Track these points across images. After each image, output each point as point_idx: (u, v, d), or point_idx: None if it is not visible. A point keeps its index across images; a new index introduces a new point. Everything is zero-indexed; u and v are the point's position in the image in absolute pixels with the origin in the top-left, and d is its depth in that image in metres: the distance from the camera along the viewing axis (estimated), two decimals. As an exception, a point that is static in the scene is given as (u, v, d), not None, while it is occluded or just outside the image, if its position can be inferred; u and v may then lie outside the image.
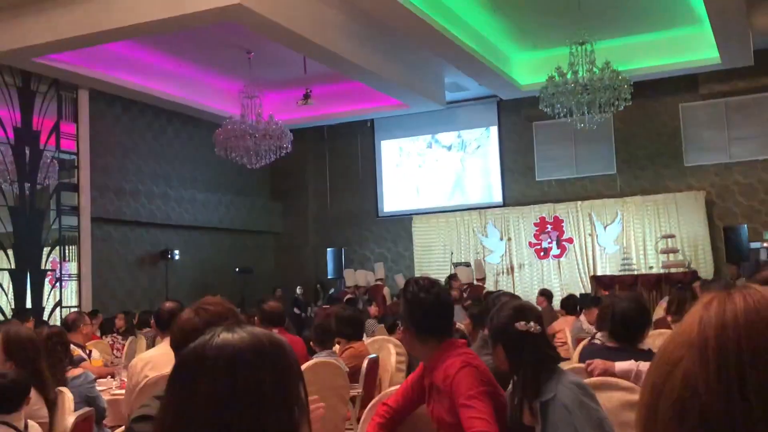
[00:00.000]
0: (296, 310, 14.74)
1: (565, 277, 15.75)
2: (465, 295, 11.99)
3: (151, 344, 7.83)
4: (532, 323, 2.58)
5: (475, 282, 13.37)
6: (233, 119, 12.48)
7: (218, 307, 2.31)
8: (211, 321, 2.18)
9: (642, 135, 15.58)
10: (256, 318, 5.95)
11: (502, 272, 16.44)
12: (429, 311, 2.68)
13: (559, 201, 16.15)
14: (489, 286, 14.47)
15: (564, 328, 7.65)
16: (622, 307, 3.74)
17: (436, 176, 17.41)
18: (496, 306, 2.80)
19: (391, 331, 6.88)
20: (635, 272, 14.22)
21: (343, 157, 18.28)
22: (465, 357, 2.64)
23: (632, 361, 3.45)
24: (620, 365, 3.42)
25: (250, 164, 12.80)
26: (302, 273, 18.04)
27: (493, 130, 16.97)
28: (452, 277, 12.72)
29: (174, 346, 2.34)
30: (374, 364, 5.38)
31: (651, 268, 14.65)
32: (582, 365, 3.58)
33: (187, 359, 1.16)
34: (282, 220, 18.66)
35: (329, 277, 17.02)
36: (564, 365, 3.05)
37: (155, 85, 13.64)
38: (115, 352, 8.28)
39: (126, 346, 8.31)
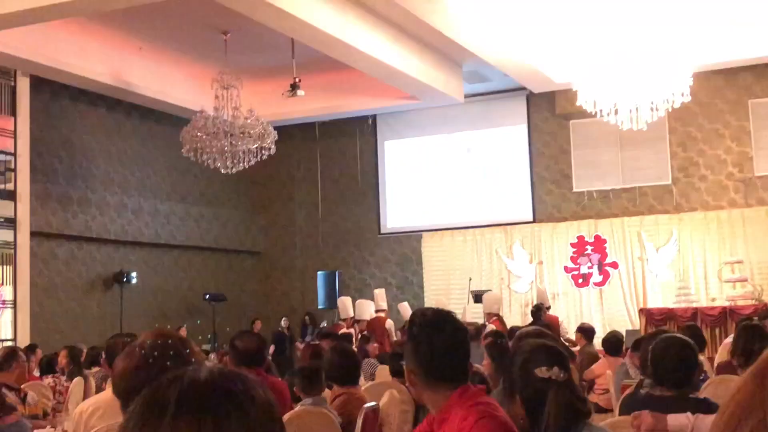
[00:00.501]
0: (279, 348, 14.70)
1: (608, 309, 15.72)
2: (485, 330, 11.95)
3: (100, 387, 7.82)
4: (555, 368, 2.57)
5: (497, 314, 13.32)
6: (205, 114, 12.52)
7: (164, 340, 2.26)
8: (155, 358, 2.17)
9: (703, 137, 15.60)
10: (226, 357, 5.90)
11: (532, 303, 16.38)
12: (440, 351, 2.67)
13: (602, 217, 16.14)
14: (515, 320, 14.42)
15: (606, 372, 7.63)
16: (659, 346, 3.75)
17: (452, 185, 17.41)
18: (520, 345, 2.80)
19: (396, 373, 6.87)
20: (694, 305, 14.16)
21: (339, 161, 18.31)
22: (483, 407, 2.62)
23: (687, 414, 3.43)
24: (673, 419, 3.41)
25: (225, 169, 12.83)
26: (287, 302, 18.02)
27: (522, 129, 16.99)
28: (481, 329, 12.53)
29: (116, 392, 2.31)
30: (373, 414, 5.36)
31: (713, 300, 14.59)
32: (626, 418, 3.58)
33: (144, 406, 1.16)
34: (263, 237, 18.67)
35: (320, 306, 17.00)
36: (605, 418, 3.02)
37: (111, 72, 13.70)
38: (56, 395, 8.27)
39: (70, 389, 8.30)
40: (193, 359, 2.20)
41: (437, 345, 2.67)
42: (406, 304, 15.04)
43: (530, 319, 15.77)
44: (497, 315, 13.08)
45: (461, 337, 2.77)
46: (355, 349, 9.49)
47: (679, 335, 3.97)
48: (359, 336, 12.13)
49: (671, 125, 15.55)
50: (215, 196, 17.52)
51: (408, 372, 2.79)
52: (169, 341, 2.27)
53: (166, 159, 16.10)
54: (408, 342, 2.76)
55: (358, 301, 14.41)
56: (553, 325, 11.83)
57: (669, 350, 3.71)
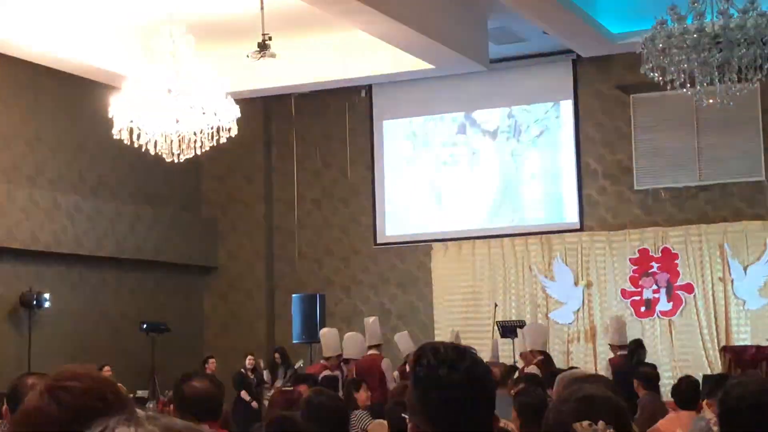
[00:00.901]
0: (243, 395, 14.65)
1: (679, 347, 15.71)
2: (514, 375, 11.92)
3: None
4: (601, 423, 2.56)
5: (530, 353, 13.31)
6: (139, 80, 12.45)
7: (87, 384, 2.23)
8: (77, 408, 2.13)
9: (807, 118, 15.62)
10: (171, 406, 5.85)
11: (578, 339, 16.38)
12: (454, 398, 2.65)
13: (672, 224, 16.13)
14: (557, 360, 14.38)
15: (676, 430, 7.60)
16: (738, 393, 3.73)
17: (472, 180, 17.41)
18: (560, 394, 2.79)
19: (396, 430, 6.85)
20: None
21: (322, 146, 18.29)
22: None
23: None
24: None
25: (170, 156, 12.77)
26: (252, 334, 17.96)
27: (566, 106, 17.00)
28: (511, 373, 12.45)
29: None
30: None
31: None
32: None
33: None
34: (220, 247, 18.63)
35: (295, 341, 16.94)
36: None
37: (10, 25, 13.66)
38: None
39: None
40: (121, 405, 2.16)
41: (450, 391, 2.65)
42: (406, 334, 14.99)
43: (575, 360, 15.80)
44: (543, 353, 13.05)
45: (482, 379, 2.74)
46: (342, 398, 9.45)
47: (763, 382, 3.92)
48: (347, 380, 12.08)
49: (765, 102, 15.53)
50: (156, 192, 17.48)
51: (412, 428, 2.76)
52: (103, 384, 2.24)
53: (90, 142, 16.05)
54: (413, 388, 2.72)
55: (347, 335, 14.38)
56: None
57: (752, 401, 3.67)
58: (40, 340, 14.91)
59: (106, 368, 14.03)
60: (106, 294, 16.54)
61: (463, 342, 16.50)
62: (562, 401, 2.72)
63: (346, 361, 13.81)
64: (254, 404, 14.67)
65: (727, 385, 3.81)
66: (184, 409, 4.96)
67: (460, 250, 17.26)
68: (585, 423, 2.57)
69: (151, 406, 12.62)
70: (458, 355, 2.73)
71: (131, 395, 12.03)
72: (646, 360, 13.25)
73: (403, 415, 6.56)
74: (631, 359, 12.41)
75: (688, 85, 11.09)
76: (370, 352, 14.01)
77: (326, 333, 14.66)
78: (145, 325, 16.24)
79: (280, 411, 6.77)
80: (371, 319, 14.92)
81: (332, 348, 14.03)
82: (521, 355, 13.33)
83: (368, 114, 18.09)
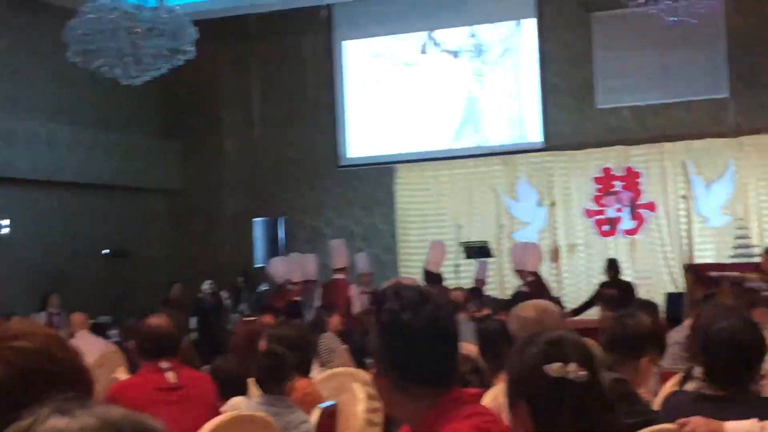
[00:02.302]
0: (203, 322, 14.58)
1: (641, 265, 15.84)
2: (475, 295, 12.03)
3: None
4: (572, 365, 2.52)
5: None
6: (96, 4, 12.26)
7: (36, 343, 1.96)
8: (24, 373, 1.90)
9: (771, 35, 15.61)
10: (133, 342, 5.94)
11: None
12: (419, 344, 2.60)
13: (635, 142, 16.18)
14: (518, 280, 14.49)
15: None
16: (720, 329, 3.73)
17: (435, 100, 17.35)
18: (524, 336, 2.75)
19: (360, 361, 6.87)
20: (756, 259, 14.27)
21: (282, 68, 18.15)
22: (478, 420, 2.57)
23: (753, 421, 3.42)
24: (734, 427, 3.39)
25: (127, 79, 12.65)
26: (214, 258, 17.96)
27: (529, 24, 16.94)
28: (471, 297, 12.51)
29: None
30: (330, 418, 5.35)
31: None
32: (670, 427, 3.56)
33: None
34: (180, 171, 18.58)
35: (257, 264, 16.98)
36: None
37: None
38: None
39: None
40: (76, 372, 1.95)
41: (415, 336, 2.60)
42: (364, 255, 15.06)
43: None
44: (535, 274, 13.20)
45: (447, 323, 2.70)
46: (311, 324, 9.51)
47: (743, 318, 3.94)
48: (318, 305, 12.14)
49: (731, 20, 15.50)
50: (115, 116, 17.35)
51: (375, 372, 2.71)
52: (53, 343, 2.01)
53: (46, 66, 15.88)
54: (376, 334, 2.67)
55: (307, 256, 14.47)
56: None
57: (735, 338, 3.68)
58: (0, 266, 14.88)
59: (52, 296, 14.09)
60: (66, 219, 16.48)
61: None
62: (527, 343, 2.67)
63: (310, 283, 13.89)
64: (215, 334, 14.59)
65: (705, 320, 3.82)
66: (143, 347, 5.09)
67: (424, 172, 17.30)
68: (556, 365, 2.53)
69: (113, 332, 12.58)
70: (421, 298, 2.69)
71: (92, 321, 12.00)
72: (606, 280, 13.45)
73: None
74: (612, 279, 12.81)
75: (651, 1, 11.05)
76: (336, 276, 14.08)
77: (289, 258, 14.73)
78: (107, 252, 16.18)
79: (244, 343, 6.79)
80: (337, 241, 14.97)
81: (297, 271, 14.05)
82: (517, 272, 13.50)
83: (328, 34, 17.98)
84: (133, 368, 6.53)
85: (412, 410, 2.66)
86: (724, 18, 15.30)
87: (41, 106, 16.15)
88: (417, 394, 2.63)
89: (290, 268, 13.99)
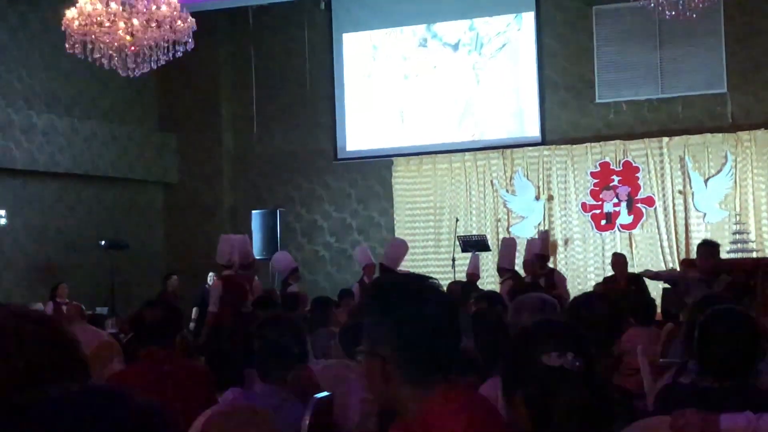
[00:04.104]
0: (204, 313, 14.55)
1: (639, 260, 15.83)
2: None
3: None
4: (569, 355, 2.51)
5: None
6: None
7: (49, 331, 1.93)
8: (32, 355, 1.88)
9: (769, 31, 15.59)
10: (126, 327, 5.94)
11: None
12: (416, 335, 2.60)
13: (633, 137, 16.18)
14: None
15: (636, 347, 7.60)
16: (713, 320, 3.73)
17: (433, 94, 17.33)
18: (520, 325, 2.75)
19: (351, 353, 6.84)
20: (754, 254, 14.29)
21: (281, 61, 18.13)
22: (471, 411, 2.58)
23: (747, 414, 3.42)
24: (729, 420, 3.39)
25: (126, 71, 12.60)
26: (212, 251, 17.86)
27: (528, 18, 16.92)
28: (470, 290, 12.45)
29: None
30: (326, 407, 5.33)
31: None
32: (664, 418, 3.55)
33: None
34: (179, 163, 18.54)
35: (255, 257, 16.93)
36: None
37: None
38: None
39: None
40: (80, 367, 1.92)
41: (412, 327, 2.60)
42: (365, 247, 15.04)
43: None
44: (512, 272, 13.07)
45: (447, 312, 2.70)
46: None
47: (736, 310, 3.94)
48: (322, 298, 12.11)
49: (728, 14, 15.49)
50: (113, 107, 17.33)
51: (366, 362, 2.70)
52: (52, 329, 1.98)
53: (44, 56, 15.86)
54: (368, 322, 2.67)
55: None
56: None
57: (720, 325, 3.68)
58: (-3, 258, 14.88)
59: (62, 286, 14.05)
60: (63, 210, 16.46)
61: (424, 258, 16.65)
62: (523, 333, 2.68)
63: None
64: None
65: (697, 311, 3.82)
66: (139, 337, 5.07)
67: (422, 165, 17.29)
68: (554, 354, 2.53)
69: (110, 323, 12.58)
70: (419, 285, 2.70)
71: (89, 312, 11.99)
72: (605, 276, 13.40)
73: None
74: None
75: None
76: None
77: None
78: (103, 242, 16.15)
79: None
80: (360, 248, 14.99)
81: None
82: (524, 263, 13.32)
83: (328, 27, 17.95)
84: (129, 360, 6.53)
85: (404, 402, 2.66)
86: (722, 13, 15.30)
87: (39, 98, 16.11)
88: (413, 386, 2.64)
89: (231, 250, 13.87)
